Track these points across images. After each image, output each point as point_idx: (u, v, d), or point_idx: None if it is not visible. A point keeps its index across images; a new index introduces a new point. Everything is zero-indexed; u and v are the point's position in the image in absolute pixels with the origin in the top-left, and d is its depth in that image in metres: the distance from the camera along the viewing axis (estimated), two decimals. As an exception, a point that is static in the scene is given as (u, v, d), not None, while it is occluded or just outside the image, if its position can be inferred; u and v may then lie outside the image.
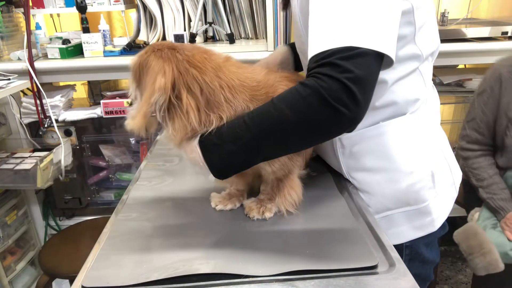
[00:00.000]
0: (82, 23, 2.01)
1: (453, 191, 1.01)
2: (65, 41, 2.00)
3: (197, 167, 0.77)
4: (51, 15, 2.26)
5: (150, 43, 2.08)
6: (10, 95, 1.97)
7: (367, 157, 0.91)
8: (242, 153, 0.72)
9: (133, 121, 0.73)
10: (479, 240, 1.39)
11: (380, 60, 0.67)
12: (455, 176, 1.01)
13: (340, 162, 0.95)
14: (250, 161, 0.74)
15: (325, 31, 0.66)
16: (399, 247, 0.95)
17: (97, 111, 2.04)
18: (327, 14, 0.67)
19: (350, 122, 0.65)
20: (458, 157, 1.46)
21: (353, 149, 0.92)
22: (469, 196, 1.67)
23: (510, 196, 1.49)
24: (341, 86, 0.61)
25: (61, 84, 2.24)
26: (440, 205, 0.96)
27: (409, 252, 0.96)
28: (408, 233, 0.94)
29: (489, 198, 1.51)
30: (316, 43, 0.67)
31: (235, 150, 0.71)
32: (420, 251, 0.97)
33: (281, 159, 0.81)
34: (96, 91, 2.21)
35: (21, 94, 2.08)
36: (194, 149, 0.75)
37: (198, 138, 0.75)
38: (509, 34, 1.87)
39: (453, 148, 1.03)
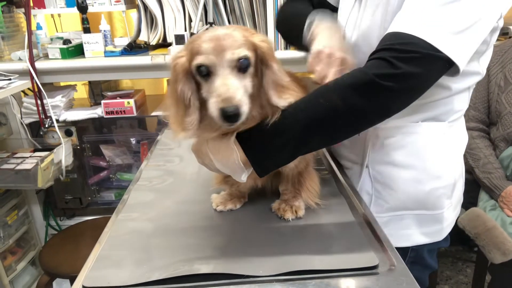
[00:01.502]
0: (83, 23, 2.02)
1: (458, 207, 1.03)
2: (66, 41, 2.00)
3: (228, 167, 0.74)
4: (52, 15, 2.26)
5: (150, 44, 2.09)
6: (11, 95, 1.98)
7: (399, 151, 0.91)
8: (289, 146, 0.70)
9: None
10: (482, 219, 1.45)
11: (447, 67, 0.69)
12: (461, 195, 1.03)
13: (366, 152, 0.95)
14: (295, 153, 0.73)
15: (420, 18, 0.68)
16: (404, 249, 0.95)
17: (97, 111, 2.04)
18: (430, 3, 0.68)
19: (395, 110, 0.68)
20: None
21: (386, 141, 0.92)
22: (468, 196, 1.68)
23: (504, 175, 1.57)
24: (398, 75, 0.63)
25: (62, 84, 2.25)
26: (451, 216, 0.97)
27: (414, 255, 0.97)
28: (416, 237, 0.95)
29: (485, 178, 1.59)
30: (405, 22, 0.69)
31: (281, 143, 0.70)
32: (423, 255, 0.98)
33: None
34: (97, 91, 2.21)
35: (22, 94, 2.08)
36: (229, 147, 0.71)
37: (234, 136, 0.72)
38: (509, 34, 1.87)
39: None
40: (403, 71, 0.64)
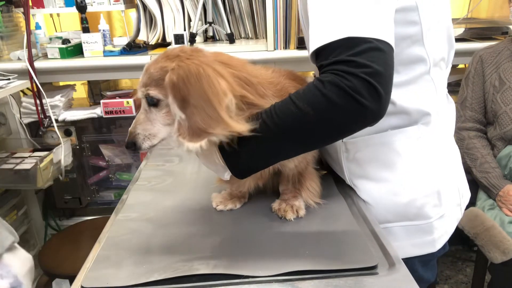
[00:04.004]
0: (82, 23, 2.01)
1: (458, 212, 0.96)
2: (65, 41, 2.00)
3: (212, 165, 0.76)
4: (51, 15, 2.26)
5: (150, 43, 2.09)
6: (10, 95, 1.97)
7: (371, 164, 0.88)
8: (262, 152, 0.70)
9: (230, 129, 0.66)
10: (481, 219, 1.44)
11: (389, 49, 0.65)
12: (463, 196, 0.97)
13: (343, 167, 0.93)
14: (270, 160, 0.73)
15: (325, 23, 0.66)
16: None
17: (97, 111, 2.04)
18: (321, 8, 0.67)
19: (373, 116, 0.64)
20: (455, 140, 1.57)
21: (357, 155, 0.89)
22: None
23: (501, 175, 1.58)
24: (361, 81, 0.61)
25: (61, 84, 2.24)
26: (444, 225, 0.91)
27: None
28: (406, 249, 0.90)
29: (482, 177, 1.60)
30: (317, 37, 0.67)
31: (254, 149, 0.70)
32: (415, 268, 0.93)
33: None
34: (96, 91, 2.21)
35: (21, 94, 2.08)
36: (210, 146, 0.72)
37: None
38: (509, 34, 1.87)
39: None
40: (361, 74, 0.61)
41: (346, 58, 0.62)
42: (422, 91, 0.84)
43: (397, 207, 0.88)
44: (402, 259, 0.88)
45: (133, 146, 0.74)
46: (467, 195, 1.00)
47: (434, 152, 0.88)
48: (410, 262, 0.90)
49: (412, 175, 0.87)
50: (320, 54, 0.67)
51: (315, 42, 0.67)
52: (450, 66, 0.93)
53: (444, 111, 0.92)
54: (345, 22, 0.64)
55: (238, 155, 0.71)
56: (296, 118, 0.66)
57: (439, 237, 0.90)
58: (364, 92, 0.61)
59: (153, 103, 0.71)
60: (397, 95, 0.82)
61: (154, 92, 0.70)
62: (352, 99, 0.61)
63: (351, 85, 0.61)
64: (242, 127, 0.67)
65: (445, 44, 0.87)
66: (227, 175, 0.76)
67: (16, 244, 0.83)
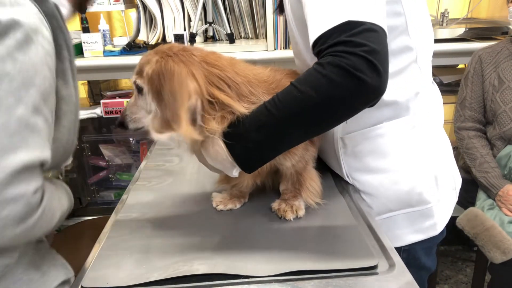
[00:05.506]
0: (82, 23, 2.01)
1: (454, 196, 1.00)
2: (65, 41, 2.00)
3: (218, 163, 0.76)
4: (51, 15, 2.26)
5: (150, 43, 2.09)
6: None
7: (369, 157, 0.91)
8: (268, 140, 0.71)
9: (181, 131, 0.69)
10: (481, 219, 1.45)
11: (383, 32, 0.67)
12: (456, 180, 1.01)
13: (341, 162, 0.95)
14: (277, 148, 0.73)
15: (321, 14, 0.68)
16: (396, 250, 0.94)
17: (97, 111, 2.04)
18: (318, 3, 0.69)
19: (375, 93, 0.65)
20: (455, 140, 1.62)
21: (355, 149, 0.92)
22: (467, 195, 1.68)
23: (501, 174, 1.58)
24: (360, 59, 0.62)
25: (61, 84, 2.24)
26: (442, 209, 0.95)
27: (406, 256, 0.95)
28: (409, 236, 0.94)
29: (482, 177, 1.60)
30: (315, 28, 0.69)
31: (260, 138, 0.70)
32: (417, 256, 0.96)
33: (299, 151, 0.81)
34: (96, 91, 2.21)
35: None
36: (216, 143, 0.73)
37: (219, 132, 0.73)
38: (509, 34, 1.87)
39: (454, 148, 1.04)
40: (360, 52, 0.63)
41: (343, 39, 0.64)
42: (410, 79, 0.88)
43: (399, 195, 0.91)
44: (406, 247, 0.93)
45: (121, 125, 0.80)
46: (459, 179, 1.04)
47: (429, 139, 0.92)
48: (413, 251, 0.95)
49: (410, 163, 0.90)
50: (317, 44, 0.68)
51: (313, 33, 0.69)
52: (432, 48, 0.96)
53: (431, 96, 0.95)
54: (340, 9, 0.66)
55: (245, 148, 0.72)
56: (299, 102, 0.67)
57: (439, 220, 0.94)
58: (364, 68, 0.62)
59: (140, 90, 0.75)
60: (390, 87, 0.83)
61: (139, 81, 0.74)
62: (352, 76, 0.62)
63: (350, 63, 0.62)
64: (193, 133, 0.70)
65: (429, 29, 0.91)
66: (235, 171, 0.76)
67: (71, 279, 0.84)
